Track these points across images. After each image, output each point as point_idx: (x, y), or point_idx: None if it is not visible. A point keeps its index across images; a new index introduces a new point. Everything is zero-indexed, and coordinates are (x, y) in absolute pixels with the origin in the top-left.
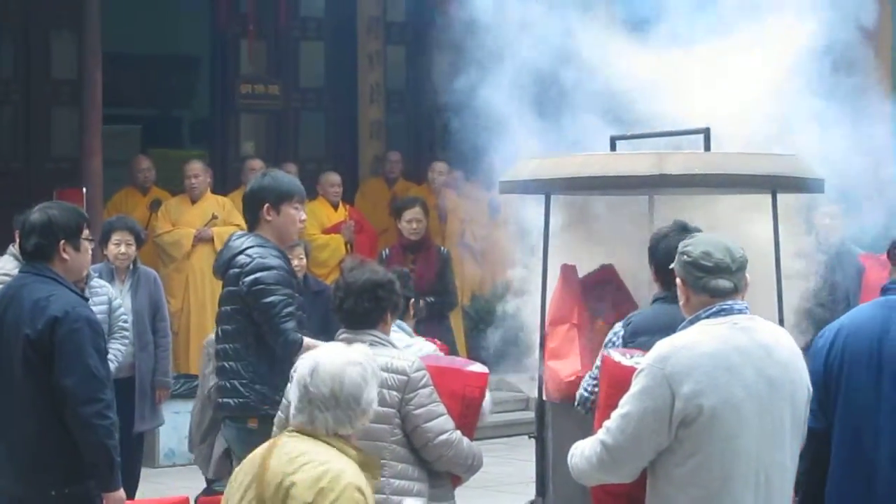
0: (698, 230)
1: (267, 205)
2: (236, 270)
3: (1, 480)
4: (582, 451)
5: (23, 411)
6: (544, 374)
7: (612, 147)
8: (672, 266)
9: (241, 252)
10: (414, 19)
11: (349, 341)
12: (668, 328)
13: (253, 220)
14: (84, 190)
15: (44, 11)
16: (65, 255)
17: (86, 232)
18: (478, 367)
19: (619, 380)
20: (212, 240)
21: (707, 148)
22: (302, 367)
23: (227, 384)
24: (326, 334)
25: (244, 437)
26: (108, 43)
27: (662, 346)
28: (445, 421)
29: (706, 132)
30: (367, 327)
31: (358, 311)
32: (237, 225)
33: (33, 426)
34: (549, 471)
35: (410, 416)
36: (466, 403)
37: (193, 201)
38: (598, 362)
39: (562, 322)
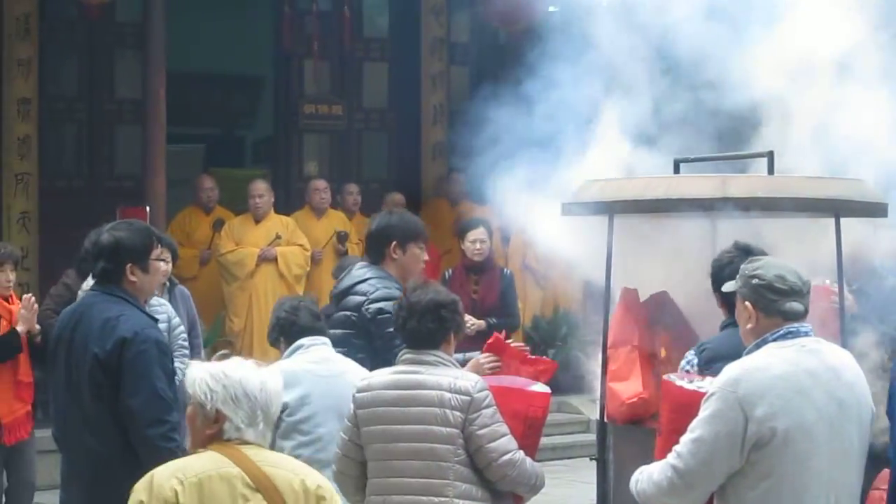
0: (763, 252)
1: (394, 243)
2: (360, 298)
3: (65, 495)
4: (650, 476)
5: (89, 428)
6: (606, 396)
7: (676, 170)
8: (732, 289)
9: (363, 281)
10: (478, 40)
11: (411, 362)
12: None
13: (378, 257)
14: (147, 209)
15: (108, 31)
16: (132, 278)
17: (156, 252)
18: (540, 388)
19: (681, 404)
20: (275, 259)
21: (770, 171)
22: (249, 382)
23: None
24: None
25: None
26: (172, 62)
27: (733, 369)
28: (508, 441)
29: (770, 155)
30: (431, 347)
31: (422, 331)
32: (300, 245)
33: (99, 444)
34: (610, 493)
35: (474, 437)
36: (529, 423)
37: (257, 221)
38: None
39: (623, 344)
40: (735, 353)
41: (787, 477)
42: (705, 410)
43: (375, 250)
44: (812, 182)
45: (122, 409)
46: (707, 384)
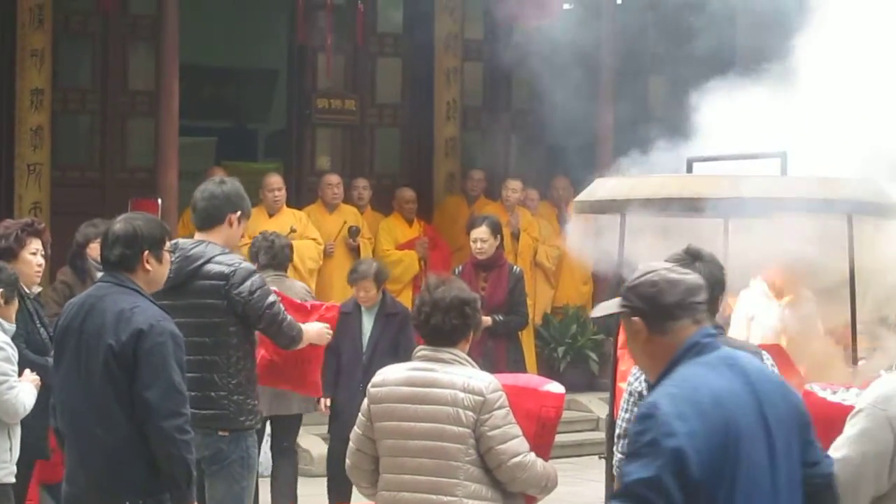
0: (712, 257)
1: (239, 213)
2: (218, 282)
3: (71, 488)
4: None
5: (99, 420)
6: (615, 395)
7: (689, 169)
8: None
9: (209, 261)
10: (491, 37)
11: (427, 359)
12: None
13: (214, 222)
14: (159, 201)
15: (122, 22)
16: (148, 266)
17: (168, 244)
18: (555, 387)
19: (825, 417)
20: None
21: (783, 171)
22: None
23: (199, 394)
24: (395, 356)
25: (210, 444)
26: (185, 54)
27: (882, 385)
28: (520, 443)
29: (783, 156)
30: (449, 345)
31: (445, 328)
32: (314, 239)
33: (109, 435)
34: None
35: (485, 437)
36: (542, 423)
37: (271, 214)
38: (626, 416)
39: None
40: None
41: None
42: (852, 428)
43: (216, 215)
44: (825, 182)
45: (138, 401)
46: (852, 396)
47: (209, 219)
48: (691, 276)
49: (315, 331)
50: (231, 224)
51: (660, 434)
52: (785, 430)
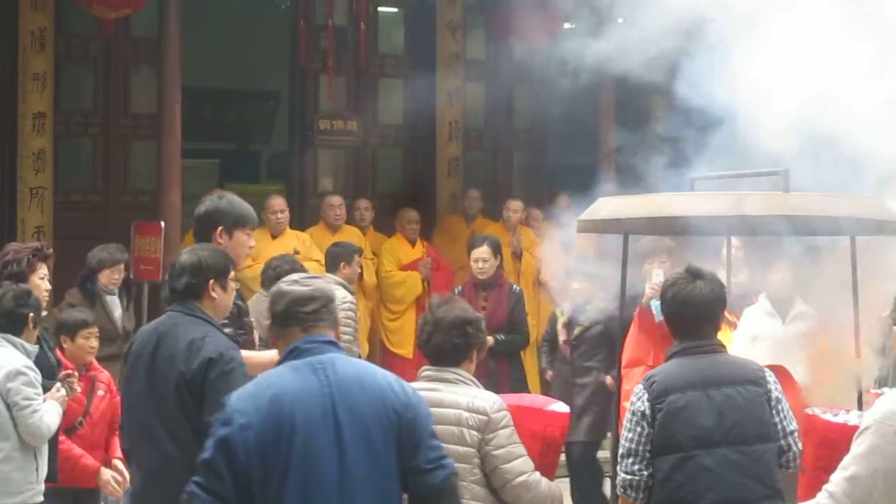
0: (713, 275)
1: (220, 228)
2: None
3: None
4: None
5: (174, 440)
6: (620, 415)
7: (692, 187)
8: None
9: None
10: (493, 57)
11: (431, 378)
12: (697, 384)
13: (204, 240)
14: (162, 224)
15: (124, 46)
16: (213, 295)
17: (232, 273)
18: (559, 407)
19: (830, 439)
20: None
21: (786, 189)
22: None
23: None
24: None
25: None
26: (187, 77)
27: (888, 401)
28: (524, 462)
29: (785, 173)
30: (452, 365)
31: (446, 347)
32: (317, 260)
33: (181, 454)
34: None
35: (489, 457)
36: (547, 443)
37: (274, 236)
38: (629, 435)
39: (638, 364)
40: (687, 385)
41: None
42: (859, 446)
43: (202, 234)
44: (828, 200)
45: (203, 426)
46: (854, 417)
47: (196, 238)
48: (301, 289)
49: (268, 358)
50: (218, 239)
51: (221, 424)
52: (363, 430)
